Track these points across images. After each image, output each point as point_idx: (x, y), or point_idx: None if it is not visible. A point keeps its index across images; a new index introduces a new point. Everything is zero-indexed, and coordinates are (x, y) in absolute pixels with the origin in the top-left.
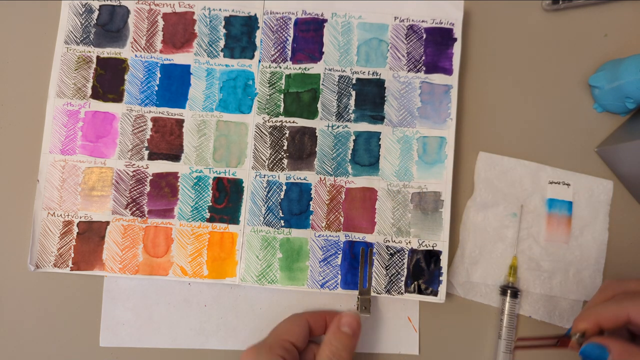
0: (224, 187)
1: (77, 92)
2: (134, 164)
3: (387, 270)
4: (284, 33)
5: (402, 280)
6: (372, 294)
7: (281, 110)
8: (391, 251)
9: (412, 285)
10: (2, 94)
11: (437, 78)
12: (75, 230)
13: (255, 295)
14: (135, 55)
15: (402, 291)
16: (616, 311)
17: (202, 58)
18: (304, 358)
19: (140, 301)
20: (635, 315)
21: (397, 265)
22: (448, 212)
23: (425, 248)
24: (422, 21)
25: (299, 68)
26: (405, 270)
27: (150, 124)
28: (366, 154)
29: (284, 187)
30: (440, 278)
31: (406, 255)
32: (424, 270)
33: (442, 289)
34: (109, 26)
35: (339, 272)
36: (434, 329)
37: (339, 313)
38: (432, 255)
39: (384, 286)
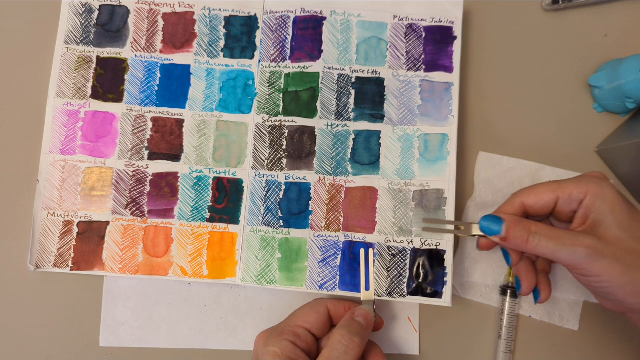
0: (224, 187)
1: (77, 92)
2: (134, 164)
3: (388, 272)
4: (283, 32)
5: (404, 283)
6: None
7: (280, 109)
8: (393, 252)
9: (415, 288)
10: (2, 94)
11: (438, 76)
12: (75, 230)
13: (255, 295)
14: (135, 55)
15: (404, 294)
16: (510, 201)
17: (202, 58)
18: (322, 344)
19: (140, 301)
20: (525, 200)
21: (398, 266)
22: (452, 209)
23: (428, 247)
24: (422, 20)
25: (298, 67)
26: (408, 271)
27: (150, 124)
28: (366, 153)
29: (283, 187)
30: (445, 279)
31: (408, 256)
32: (427, 271)
33: (447, 290)
34: (109, 26)
35: (338, 273)
36: (434, 329)
37: (354, 307)
38: (436, 255)
39: (385, 289)
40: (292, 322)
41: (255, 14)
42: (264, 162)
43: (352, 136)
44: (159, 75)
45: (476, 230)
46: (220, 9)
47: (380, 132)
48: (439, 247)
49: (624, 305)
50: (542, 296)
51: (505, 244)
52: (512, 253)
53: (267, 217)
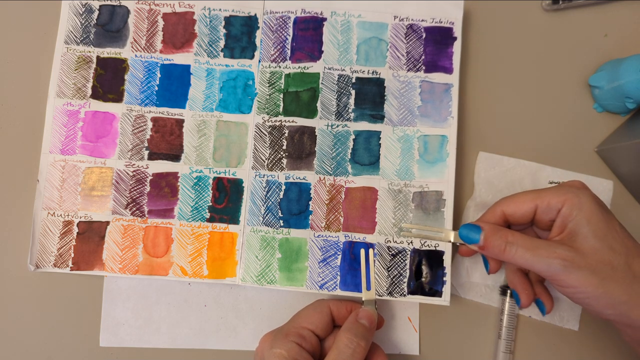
0: (224, 187)
1: (77, 92)
2: (134, 164)
3: (388, 271)
4: (283, 32)
5: (404, 282)
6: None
7: (280, 109)
8: (393, 252)
9: (415, 287)
10: (2, 94)
11: (437, 77)
12: (75, 230)
13: (255, 295)
14: (135, 55)
15: (404, 293)
16: (492, 209)
17: (202, 58)
18: (326, 344)
19: (140, 301)
20: (505, 209)
21: (399, 266)
22: (450, 211)
23: (427, 248)
24: (422, 20)
25: (299, 67)
26: (408, 271)
27: (150, 124)
28: (366, 153)
29: (283, 187)
30: (444, 279)
31: (408, 256)
32: (427, 271)
33: (447, 289)
34: (109, 26)
35: (338, 273)
36: (434, 329)
37: (357, 308)
38: (435, 256)
39: (385, 288)
40: (296, 323)
41: (255, 14)
42: (264, 162)
43: (352, 136)
44: (159, 75)
45: (454, 238)
46: (220, 9)
47: (380, 132)
48: (437, 248)
49: (601, 316)
50: (547, 306)
51: (484, 252)
52: (490, 261)
53: (267, 217)
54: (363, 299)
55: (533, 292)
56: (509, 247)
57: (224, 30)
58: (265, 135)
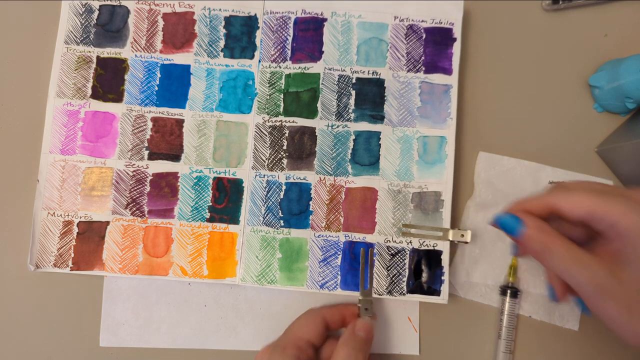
0: (224, 187)
1: (77, 92)
2: (134, 164)
3: (388, 270)
4: (283, 32)
5: (403, 281)
6: (374, 295)
7: (281, 110)
8: (392, 251)
9: (414, 286)
10: (2, 94)
11: (437, 78)
12: (75, 230)
13: (255, 295)
14: (135, 55)
15: (404, 292)
16: (543, 198)
17: (202, 58)
18: (322, 353)
19: (140, 301)
20: (560, 205)
21: (398, 265)
22: (448, 212)
23: (426, 248)
24: (422, 21)
25: (299, 67)
26: (407, 270)
27: (150, 124)
28: (366, 154)
29: (284, 187)
30: (442, 278)
31: (407, 256)
32: (426, 271)
33: (445, 288)
34: (109, 26)
35: (339, 273)
36: (434, 329)
37: (354, 320)
38: (434, 255)
39: (385, 287)
40: (292, 335)
41: (255, 14)
42: (265, 162)
43: (353, 137)
44: (159, 75)
45: (453, 236)
46: (220, 9)
47: (380, 133)
48: (436, 248)
49: (623, 339)
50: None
51: (519, 244)
52: (521, 248)
53: (267, 217)
54: (360, 298)
55: (569, 287)
56: (548, 253)
57: (224, 30)
58: (266, 135)
